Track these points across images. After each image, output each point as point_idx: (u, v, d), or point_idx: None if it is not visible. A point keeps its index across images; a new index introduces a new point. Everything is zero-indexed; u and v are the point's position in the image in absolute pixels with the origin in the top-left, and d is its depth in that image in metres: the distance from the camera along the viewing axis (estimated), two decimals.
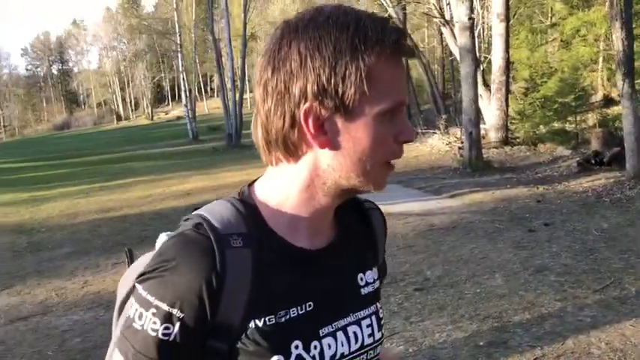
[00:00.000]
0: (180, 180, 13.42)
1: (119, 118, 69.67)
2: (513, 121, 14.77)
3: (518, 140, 14.00)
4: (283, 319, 0.79)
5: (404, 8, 22.16)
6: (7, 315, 4.86)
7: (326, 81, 0.74)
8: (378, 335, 0.89)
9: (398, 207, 7.77)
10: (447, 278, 4.74)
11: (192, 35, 31.44)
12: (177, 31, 30.56)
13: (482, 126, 13.81)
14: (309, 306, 0.81)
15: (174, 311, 0.74)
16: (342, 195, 0.83)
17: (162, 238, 0.97)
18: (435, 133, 16.41)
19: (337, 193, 0.82)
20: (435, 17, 17.19)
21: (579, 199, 7.53)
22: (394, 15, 20.77)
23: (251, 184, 0.87)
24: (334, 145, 0.77)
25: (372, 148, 0.77)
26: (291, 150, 0.78)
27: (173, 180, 13.57)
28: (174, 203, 9.98)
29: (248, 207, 0.82)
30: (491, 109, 14.29)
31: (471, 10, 11.36)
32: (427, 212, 7.40)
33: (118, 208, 10.03)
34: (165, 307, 0.74)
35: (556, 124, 13.45)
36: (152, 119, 61.29)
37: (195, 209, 0.83)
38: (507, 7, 14.32)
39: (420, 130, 17.55)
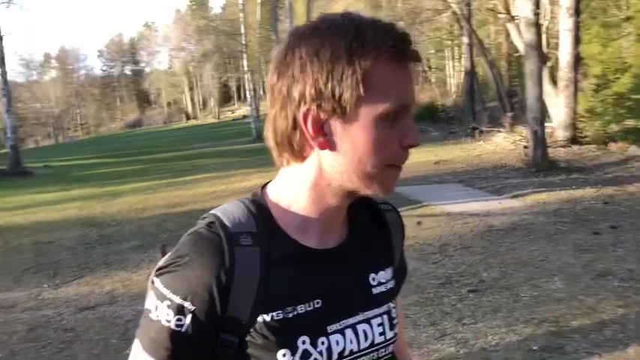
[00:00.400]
0: (243, 177, 13.70)
1: (188, 117, 71.81)
2: (582, 119, 14.20)
3: (587, 139, 13.45)
4: (290, 315, 0.82)
5: (468, 4, 21.70)
6: (77, 304, 5.15)
7: (323, 85, 0.77)
8: (389, 334, 0.91)
9: (457, 207, 7.67)
10: (504, 280, 4.65)
11: (258, 35, 31.96)
12: (242, 31, 31.18)
13: (549, 124, 13.36)
14: (317, 303, 0.84)
15: (186, 304, 0.79)
16: (349, 196, 0.85)
17: None
18: (500, 131, 16.02)
19: (344, 194, 0.85)
20: (501, 13, 16.76)
21: None
22: (458, 11, 20.42)
23: (264, 185, 0.92)
24: (333, 147, 0.80)
25: (371, 151, 0.79)
26: (297, 151, 0.83)
27: (236, 177, 13.87)
28: (236, 199, 10.21)
29: (259, 207, 0.87)
30: (558, 107, 13.79)
31: (537, 5, 11.01)
32: (487, 213, 7.25)
33: (184, 204, 10.37)
34: (177, 300, 0.79)
35: (629, 122, 12.86)
36: (219, 118, 62.78)
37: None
38: (577, 1, 13.77)
39: (483, 129, 17.19)
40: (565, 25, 13.60)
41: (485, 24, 29.64)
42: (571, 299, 4.09)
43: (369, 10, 44.06)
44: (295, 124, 0.81)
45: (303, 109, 0.79)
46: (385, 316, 0.91)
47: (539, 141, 10.73)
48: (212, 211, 0.88)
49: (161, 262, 0.85)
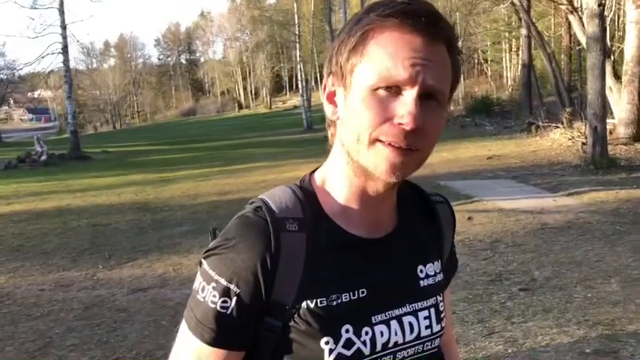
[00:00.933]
0: (292, 167, 13.81)
1: (240, 107, 72.73)
2: None
3: None
4: (335, 303, 0.81)
5: None
6: (130, 285, 5.32)
7: (335, 55, 0.81)
8: (436, 328, 0.90)
9: (510, 203, 7.49)
10: (556, 280, 4.52)
11: (311, 26, 32.04)
12: (296, 21, 31.30)
13: (610, 121, 12.85)
14: (362, 293, 0.83)
15: (232, 286, 0.80)
16: (367, 175, 0.82)
17: None
18: (558, 126, 15.52)
19: (362, 173, 0.82)
20: (562, 4, 16.16)
21: None
22: (517, 2, 19.85)
23: (313, 171, 0.92)
24: (339, 116, 0.83)
25: (360, 123, 0.77)
26: (329, 123, 0.86)
27: (287, 167, 14.00)
28: (284, 186, 10.30)
29: (306, 193, 0.87)
30: (621, 103, 13.23)
31: None
32: (541, 210, 7.05)
33: (235, 192, 10.54)
34: (223, 282, 0.80)
35: None
36: (270, 108, 63.39)
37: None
38: None
39: (540, 124, 16.69)
40: (631, 16, 13.01)
41: (546, 15, 28.75)
42: (628, 302, 3.94)
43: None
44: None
45: (325, 80, 0.84)
46: (432, 310, 0.90)
47: (599, 137, 10.34)
48: (260, 196, 0.88)
49: (210, 245, 0.85)
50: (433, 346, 0.90)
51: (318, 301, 0.81)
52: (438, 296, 0.92)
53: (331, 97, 0.83)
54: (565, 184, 8.77)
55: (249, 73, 74.02)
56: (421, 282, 0.90)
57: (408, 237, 0.91)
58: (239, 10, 75.02)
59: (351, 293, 0.83)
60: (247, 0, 72.55)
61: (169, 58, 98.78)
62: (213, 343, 0.82)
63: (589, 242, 5.52)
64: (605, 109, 10.98)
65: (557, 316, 3.81)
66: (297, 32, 31.26)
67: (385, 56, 0.75)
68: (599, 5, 10.39)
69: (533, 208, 7.18)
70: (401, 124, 0.75)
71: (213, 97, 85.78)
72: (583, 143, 11.84)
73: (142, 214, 9.00)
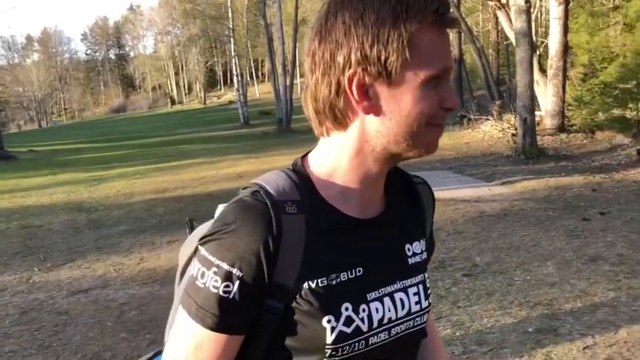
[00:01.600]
0: (231, 163, 13.67)
1: (173, 102, 71.22)
2: (570, 108, 14.31)
3: (574, 127, 13.58)
4: (334, 282, 0.83)
5: None
6: (70, 287, 5.11)
7: (369, 48, 0.77)
8: (425, 303, 0.93)
9: (448, 193, 7.71)
10: (497, 265, 4.70)
11: (245, 20, 31.72)
12: (229, 15, 30.91)
13: (537, 112, 13.45)
14: (359, 271, 0.86)
15: (234, 270, 0.79)
16: (391, 160, 0.86)
17: (220, 207, 1.04)
18: (488, 119, 16.09)
19: (387, 158, 0.85)
20: (491, 0, 16.76)
21: (638, 189, 7.28)
22: None
23: (304, 156, 0.92)
24: (378, 111, 0.81)
25: (417, 113, 0.80)
26: (339, 118, 0.83)
27: (225, 163, 13.83)
28: (226, 185, 10.19)
29: (301, 176, 0.88)
30: (547, 95, 13.88)
31: None
32: (478, 199, 7.31)
33: (173, 189, 10.33)
34: (225, 266, 0.80)
35: (616, 111, 12.96)
36: (205, 103, 62.39)
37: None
38: None
39: (472, 116, 17.25)
40: (555, 13, 13.67)
41: (474, 11, 29.68)
42: (563, 283, 4.15)
43: None
44: (339, 90, 0.80)
45: (348, 73, 0.79)
46: (420, 286, 0.93)
47: (529, 129, 10.81)
48: (254, 181, 0.88)
49: (205, 231, 0.84)
50: (422, 321, 0.93)
51: (319, 281, 0.82)
52: (424, 273, 0.95)
53: (362, 92, 0.80)
54: (499, 174, 9.11)
55: (182, 67, 72.61)
56: (409, 260, 0.93)
57: (395, 217, 0.93)
58: (170, 4, 73.27)
59: (349, 272, 0.85)
60: None
61: (97, 53, 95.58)
62: (215, 328, 0.81)
63: (525, 228, 5.77)
64: (533, 102, 11.48)
65: (500, 298, 3.97)
66: (230, 26, 30.87)
67: (433, 50, 0.79)
68: (526, 2, 10.83)
69: (470, 197, 7.43)
70: (450, 107, 0.82)
71: (144, 93, 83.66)
72: (513, 134, 12.34)
73: (76, 214, 8.67)
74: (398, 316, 0.89)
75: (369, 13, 0.77)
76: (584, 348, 3.13)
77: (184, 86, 73.55)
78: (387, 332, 0.87)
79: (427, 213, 1.02)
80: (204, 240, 0.83)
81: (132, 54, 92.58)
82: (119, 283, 5.14)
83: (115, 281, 5.21)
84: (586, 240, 5.19)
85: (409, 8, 0.76)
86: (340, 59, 0.79)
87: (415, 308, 0.91)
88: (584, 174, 8.53)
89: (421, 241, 0.97)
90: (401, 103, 0.79)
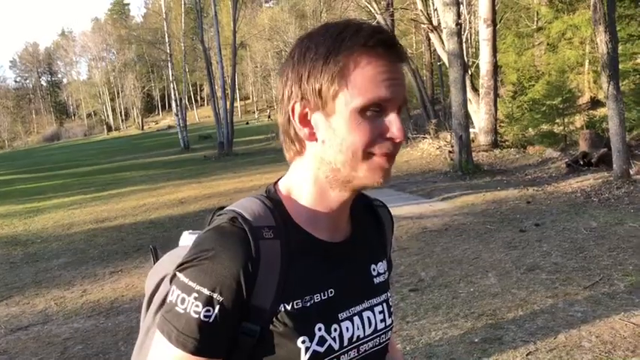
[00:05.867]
0: (173, 189, 13.47)
1: (109, 129, 69.49)
2: (502, 125, 14.94)
3: (507, 143, 14.18)
4: (308, 304, 0.87)
5: (392, 15, 22.34)
6: (8, 325, 4.89)
7: (306, 81, 0.85)
8: (389, 321, 0.99)
9: (391, 211, 7.86)
10: (441, 279, 4.84)
11: (182, 44, 31.53)
12: (166, 40, 30.65)
13: (471, 130, 13.96)
14: (331, 293, 0.90)
15: (215, 295, 0.82)
16: (346, 186, 0.89)
17: (185, 235, 1.07)
18: (426, 137, 16.58)
19: (342, 184, 0.89)
20: (423, 23, 17.37)
21: (568, 200, 7.67)
22: (382, 22, 20.98)
23: (276, 182, 0.97)
24: (319, 138, 0.87)
25: (350, 141, 0.84)
26: (295, 145, 0.90)
27: (166, 189, 13.61)
28: (168, 212, 10.03)
29: (274, 202, 0.91)
30: (480, 113, 14.46)
31: (458, 15, 11.52)
32: (420, 215, 7.50)
33: (113, 218, 10.06)
34: (206, 291, 0.82)
35: (544, 127, 13.63)
36: (143, 129, 61.19)
37: (221, 208, 0.93)
38: (494, 12, 14.52)
39: (410, 135, 17.72)
40: (483, 34, 14.30)
41: (408, 34, 30.60)
42: (505, 293, 4.32)
43: (293, 19, 44.45)
44: (289, 119, 0.88)
45: (291, 103, 0.87)
46: (384, 304, 0.98)
47: (464, 145, 11.20)
48: (229, 208, 0.91)
49: (183, 258, 0.86)
50: (387, 338, 0.98)
51: (294, 303, 0.86)
52: (388, 292, 1.01)
53: (304, 120, 0.87)
54: (438, 190, 9.39)
55: (118, 93, 71.08)
56: (375, 280, 0.99)
57: (361, 240, 0.99)
58: (104, 29, 71.91)
59: (322, 294, 0.89)
60: (113, 19, 69.85)
61: (27, 80, 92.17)
62: (196, 352, 0.83)
63: (466, 242, 5.97)
64: (467, 120, 11.93)
65: (446, 311, 4.09)
66: (168, 51, 30.61)
67: (368, 81, 0.82)
68: (457, 24, 11.31)
69: (413, 214, 7.62)
70: (392, 138, 0.84)
71: (79, 120, 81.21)
72: (450, 152, 12.76)
73: (11, 248, 8.30)
74: (365, 334, 0.93)
75: (311, 50, 0.84)
76: (527, 354, 3.27)
77: (121, 112, 71.90)
78: (356, 350, 0.92)
79: (387, 234, 1.08)
80: (182, 267, 0.85)
81: (65, 80, 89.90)
82: (61, 318, 4.96)
83: (56, 316, 5.03)
84: (523, 250, 5.43)
85: (342, 43, 0.82)
86: (287, 91, 0.88)
87: (380, 326, 0.96)
88: (519, 187, 8.91)
89: (384, 261, 1.03)
90: (336, 131, 0.84)
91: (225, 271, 0.83)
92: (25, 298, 5.62)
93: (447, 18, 11.47)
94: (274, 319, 0.85)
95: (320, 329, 0.88)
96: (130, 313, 4.85)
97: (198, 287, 0.83)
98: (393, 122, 0.84)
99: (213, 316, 0.83)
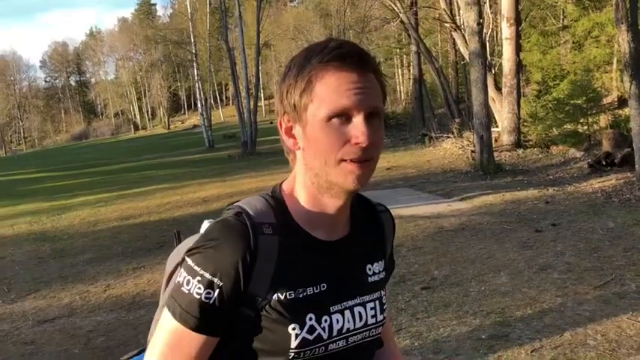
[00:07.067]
0: (196, 187, 13.70)
1: (136, 128, 70.63)
2: (526, 124, 14.83)
3: (530, 143, 14.08)
4: (301, 295, 0.97)
5: (416, 14, 22.34)
6: (35, 317, 5.11)
7: (285, 96, 0.97)
8: (380, 317, 1.07)
9: (409, 210, 7.94)
10: (454, 277, 4.91)
11: (207, 44, 31.89)
12: (192, 40, 31.06)
13: (495, 129, 13.90)
14: (323, 287, 0.99)
15: (216, 280, 0.93)
16: (331, 192, 0.99)
17: (206, 223, 1.18)
18: (449, 137, 16.54)
19: (327, 190, 0.98)
20: (446, 22, 17.33)
21: (588, 200, 7.64)
22: (405, 20, 20.98)
23: (282, 182, 1.06)
24: (300, 147, 0.98)
25: (321, 149, 0.93)
26: (290, 154, 1.03)
27: (190, 188, 13.85)
28: (191, 210, 10.23)
29: (277, 201, 1.02)
30: (503, 113, 14.38)
31: (480, 15, 11.50)
32: (437, 215, 7.55)
33: (137, 216, 10.31)
34: (208, 275, 0.93)
35: (568, 126, 13.50)
36: (169, 128, 62.08)
37: (233, 203, 1.05)
38: (517, 12, 14.43)
39: (433, 135, 17.70)
40: (506, 33, 14.23)
41: (433, 32, 30.49)
42: (515, 292, 4.37)
43: (318, 19, 44.53)
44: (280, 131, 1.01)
45: (279, 118, 1.00)
46: (377, 302, 1.07)
47: (486, 145, 11.19)
48: (237, 204, 1.02)
49: (191, 244, 0.98)
50: (377, 332, 1.08)
51: (288, 293, 0.96)
52: (382, 291, 1.09)
53: (289, 132, 0.99)
54: (458, 190, 9.41)
55: (145, 93, 72.14)
56: (369, 278, 1.07)
57: (358, 240, 1.07)
58: (131, 30, 73.00)
59: (314, 287, 0.98)
60: (140, 19, 70.89)
61: (57, 80, 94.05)
62: (196, 328, 0.94)
63: (481, 241, 6.01)
64: (489, 119, 11.91)
65: (456, 309, 4.16)
66: (193, 51, 31.01)
67: (331, 92, 0.92)
68: (478, 24, 11.29)
69: (430, 213, 7.67)
70: (358, 143, 0.91)
71: (106, 119, 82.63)
72: (472, 151, 12.72)
73: (39, 244, 8.59)
74: (355, 327, 1.02)
75: (290, 70, 0.97)
76: (531, 351, 3.33)
77: (148, 111, 72.98)
78: (344, 340, 1.01)
79: (388, 237, 1.17)
80: (190, 252, 0.97)
81: (93, 80, 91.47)
82: (85, 311, 5.16)
83: (81, 309, 5.23)
84: (537, 250, 5.45)
85: (309, 61, 0.94)
86: (277, 107, 1.01)
87: (371, 321, 1.05)
88: (539, 187, 8.88)
89: (381, 262, 1.11)
90: (310, 141, 0.95)
91: (226, 260, 0.93)
92: (51, 292, 5.85)
93: (468, 17, 11.47)
94: (267, 306, 0.95)
95: (311, 319, 0.97)
96: (151, 307, 5.01)
97: (201, 271, 0.94)
98: (358, 128, 0.91)
99: (213, 299, 0.93)
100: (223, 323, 0.96)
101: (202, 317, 0.94)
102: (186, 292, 0.94)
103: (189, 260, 0.96)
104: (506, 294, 4.34)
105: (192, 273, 0.94)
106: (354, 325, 1.02)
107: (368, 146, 0.91)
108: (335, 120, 0.92)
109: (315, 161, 0.95)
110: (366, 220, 1.12)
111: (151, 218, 9.92)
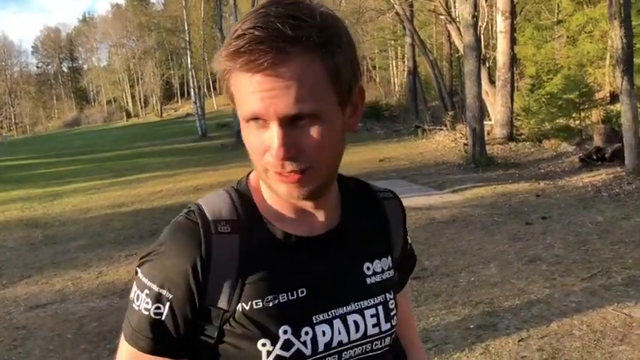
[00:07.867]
0: (189, 176, 13.70)
1: (129, 115, 70.28)
2: (519, 118, 14.90)
3: (523, 136, 14.15)
4: (271, 304, 0.80)
5: (411, 5, 22.30)
6: (27, 302, 5.13)
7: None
8: (385, 326, 0.88)
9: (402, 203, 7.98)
10: (444, 268, 4.97)
11: (201, 32, 31.73)
12: (186, 28, 30.88)
13: (487, 122, 13.97)
14: (302, 292, 0.82)
15: (164, 292, 0.79)
16: (279, 195, 0.82)
17: None
18: (442, 129, 16.60)
19: (274, 192, 0.82)
20: (442, 14, 17.34)
21: (578, 194, 7.72)
22: (401, 12, 20.94)
23: (249, 172, 0.91)
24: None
25: (251, 152, 0.79)
26: None
27: (182, 176, 13.84)
28: (183, 198, 10.24)
29: (242, 195, 0.86)
30: (496, 106, 14.44)
31: (475, 7, 11.53)
32: (429, 206, 7.60)
33: (130, 203, 10.31)
34: (155, 288, 0.79)
35: (560, 121, 13.58)
36: (161, 116, 61.80)
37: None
38: (512, 5, 14.46)
39: (426, 127, 17.75)
40: (501, 27, 14.26)
41: (428, 24, 30.45)
42: (504, 283, 4.44)
43: None
44: None
45: None
46: (380, 307, 0.88)
47: (478, 138, 11.25)
48: (197, 201, 0.87)
49: (143, 252, 0.85)
50: (383, 344, 0.88)
51: (254, 303, 0.80)
52: (387, 294, 0.90)
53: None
54: (450, 182, 9.47)
55: (138, 80, 71.71)
56: (367, 279, 0.89)
57: (353, 233, 0.89)
58: (125, 16, 72.44)
59: (289, 293, 0.81)
60: (133, 6, 70.36)
61: (49, 66, 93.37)
62: (149, 350, 0.81)
63: (471, 233, 6.07)
64: (482, 112, 11.96)
65: (446, 299, 4.22)
66: (187, 39, 30.83)
67: (241, 94, 0.75)
68: (473, 17, 11.32)
69: (422, 205, 7.72)
70: (272, 154, 0.75)
71: (98, 106, 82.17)
72: (465, 144, 12.79)
73: (31, 230, 8.59)
74: (351, 339, 0.84)
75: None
76: (519, 341, 3.40)
77: (140, 99, 72.62)
78: (336, 356, 0.84)
79: (394, 228, 0.97)
80: (141, 261, 0.83)
81: (85, 67, 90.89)
82: (78, 297, 5.19)
83: (73, 295, 5.26)
84: (527, 242, 5.52)
85: (220, 56, 0.76)
86: None
87: (373, 331, 0.86)
88: (530, 181, 8.96)
89: (384, 258, 0.92)
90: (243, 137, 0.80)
91: (172, 267, 0.79)
92: (43, 278, 5.87)
93: (463, 10, 11.50)
94: (232, 319, 0.80)
95: (286, 332, 0.80)
96: None
97: (149, 283, 0.80)
98: (272, 137, 0.74)
99: (163, 314, 0.79)
100: (181, 342, 0.81)
101: (155, 337, 0.80)
102: (136, 308, 0.81)
103: (139, 271, 0.83)
104: (495, 285, 4.41)
105: (141, 286, 0.81)
106: (349, 337, 0.84)
107: (286, 158, 0.74)
108: (252, 123, 0.76)
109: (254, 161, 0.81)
110: (365, 210, 0.94)
111: (143, 206, 9.93)
